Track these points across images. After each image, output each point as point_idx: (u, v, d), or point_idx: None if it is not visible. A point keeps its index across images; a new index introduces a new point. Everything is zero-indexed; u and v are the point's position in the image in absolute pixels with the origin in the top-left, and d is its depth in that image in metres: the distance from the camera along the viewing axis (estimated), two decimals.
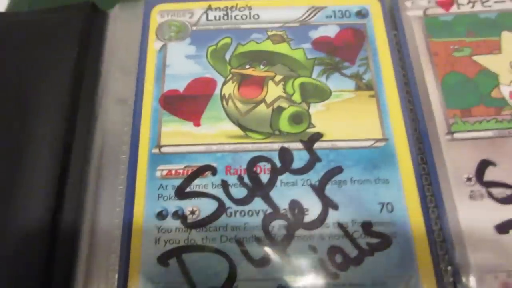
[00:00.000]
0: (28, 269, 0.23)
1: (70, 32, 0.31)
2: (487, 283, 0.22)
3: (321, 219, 0.24)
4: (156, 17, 0.30)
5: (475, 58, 0.28)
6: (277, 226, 0.24)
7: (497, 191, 0.24)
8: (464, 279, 0.23)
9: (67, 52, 0.30)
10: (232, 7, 0.30)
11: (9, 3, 0.37)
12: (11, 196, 0.25)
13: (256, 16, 0.30)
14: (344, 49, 0.28)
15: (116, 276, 0.23)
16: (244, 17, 0.30)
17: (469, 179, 0.25)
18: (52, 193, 0.25)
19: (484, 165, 0.25)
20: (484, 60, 0.28)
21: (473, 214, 0.24)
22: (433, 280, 0.23)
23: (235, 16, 0.30)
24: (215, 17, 0.30)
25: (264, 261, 0.23)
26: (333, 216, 0.24)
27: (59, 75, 0.29)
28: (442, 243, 0.24)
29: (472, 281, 0.23)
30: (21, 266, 0.23)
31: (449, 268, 0.23)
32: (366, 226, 0.24)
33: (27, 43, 0.31)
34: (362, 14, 0.30)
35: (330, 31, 0.29)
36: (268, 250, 0.23)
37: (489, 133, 0.26)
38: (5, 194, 0.25)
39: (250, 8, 0.30)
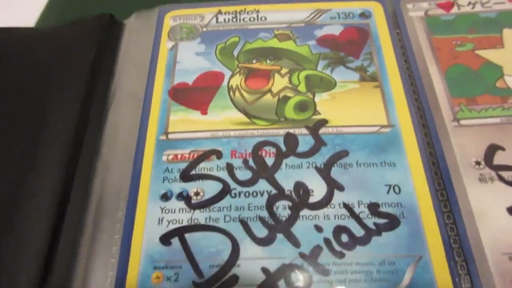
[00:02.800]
0: None
1: (88, 40, 0.33)
2: (501, 263, 0.21)
3: (326, 200, 0.24)
4: (169, 21, 0.32)
5: (478, 52, 0.28)
6: (282, 206, 0.24)
7: (507, 174, 0.24)
8: (476, 259, 0.22)
9: (84, 57, 0.32)
10: (241, 11, 0.32)
11: (39, 17, 0.39)
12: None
13: (263, 18, 0.31)
14: (348, 45, 0.29)
15: (118, 254, 0.23)
16: (252, 19, 0.31)
17: (478, 163, 0.24)
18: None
19: (492, 149, 0.25)
20: (487, 54, 0.28)
21: (483, 197, 0.23)
22: (443, 260, 0.22)
23: (243, 19, 0.31)
24: (224, 19, 0.31)
25: (268, 240, 0.23)
26: (339, 197, 0.24)
27: (75, 79, 0.31)
28: (453, 225, 0.23)
29: (484, 261, 0.21)
30: None
31: (460, 249, 0.22)
32: (373, 207, 0.23)
33: (48, 54, 0.33)
34: (365, 15, 0.31)
35: (335, 29, 0.30)
36: (272, 229, 0.23)
37: (496, 120, 0.26)
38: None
39: (258, 11, 0.32)
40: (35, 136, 0.28)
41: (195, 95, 0.28)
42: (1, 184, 0.26)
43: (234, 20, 0.31)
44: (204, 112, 0.27)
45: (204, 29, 0.31)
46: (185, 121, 0.27)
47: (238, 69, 0.29)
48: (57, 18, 0.39)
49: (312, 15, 0.31)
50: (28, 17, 0.40)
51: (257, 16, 0.31)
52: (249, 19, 0.31)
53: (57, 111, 0.29)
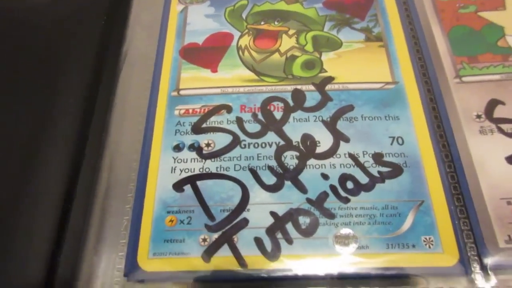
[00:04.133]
0: None
1: (99, 4, 0.34)
2: (499, 208, 0.22)
3: (332, 150, 0.25)
4: None
5: (480, 13, 0.29)
6: (290, 156, 0.25)
7: (507, 127, 0.25)
8: (476, 204, 0.23)
9: (96, 21, 0.33)
10: None
11: None
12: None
13: None
14: (354, 8, 0.30)
15: (133, 201, 0.24)
16: None
17: (478, 116, 0.25)
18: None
19: (493, 104, 0.26)
20: (490, 15, 0.29)
21: (483, 147, 0.24)
22: (444, 204, 0.23)
23: None
24: None
25: (276, 186, 0.24)
26: (344, 148, 0.25)
27: (88, 42, 0.31)
28: (453, 173, 0.24)
29: (483, 205, 0.23)
30: None
31: (459, 195, 0.23)
32: (377, 157, 0.24)
33: (60, 18, 0.34)
34: None
35: None
36: (280, 177, 0.24)
37: (497, 77, 0.27)
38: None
39: None
40: (48, 100, 0.29)
41: (205, 54, 0.29)
42: (16, 144, 0.27)
43: None
44: (214, 70, 0.28)
45: None
46: (196, 78, 0.28)
47: (246, 30, 0.30)
48: None
49: None
50: None
51: None
52: None
53: (70, 74, 0.30)
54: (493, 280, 0.21)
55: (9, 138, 0.27)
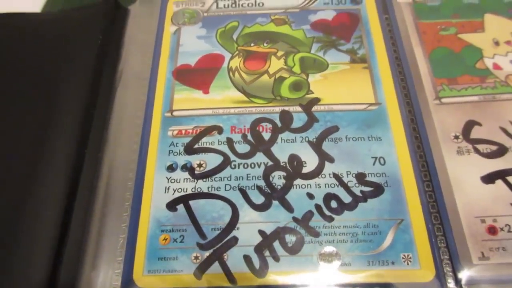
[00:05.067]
0: None
1: (94, 24, 0.35)
2: (473, 225, 0.24)
3: (318, 170, 0.26)
4: (172, 7, 0.34)
5: (460, 35, 0.30)
6: (277, 176, 0.26)
7: (483, 147, 0.26)
8: (452, 222, 0.24)
9: (91, 41, 0.34)
10: None
11: (45, 3, 0.41)
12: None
13: (261, 4, 0.33)
14: (340, 29, 0.31)
15: (128, 220, 0.25)
16: (250, 4, 0.33)
17: (456, 137, 0.27)
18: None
19: (470, 125, 0.27)
20: (469, 37, 0.30)
21: (460, 167, 0.26)
22: (422, 223, 0.24)
23: (242, 4, 0.33)
24: (224, 5, 0.33)
25: (264, 206, 0.25)
26: (329, 168, 0.26)
27: (84, 62, 0.33)
28: (432, 192, 0.25)
29: (458, 223, 0.24)
30: None
31: (437, 213, 0.25)
32: (360, 177, 0.26)
33: (56, 37, 0.35)
34: (356, 1, 0.33)
35: (328, 15, 0.32)
36: (268, 197, 0.25)
37: (475, 98, 0.28)
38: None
39: None
40: (45, 119, 0.30)
41: (197, 75, 0.30)
42: (14, 164, 0.28)
43: (233, 5, 0.33)
44: (206, 92, 0.29)
45: (205, 14, 0.33)
46: (188, 99, 0.29)
47: (237, 52, 0.31)
48: (62, 4, 0.41)
49: (306, 1, 0.33)
50: (34, 2, 0.41)
51: (255, 2, 0.33)
52: (247, 4, 0.33)
53: (67, 93, 0.31)
54: None
55: (6, 158, 0.28)
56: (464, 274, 0.23)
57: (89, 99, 0.30)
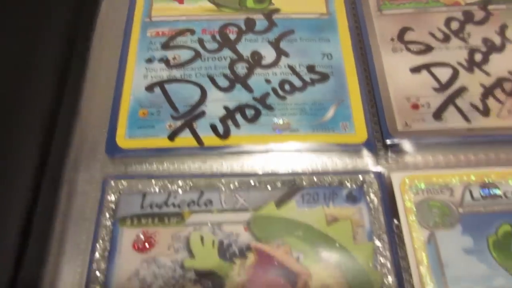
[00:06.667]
0: None
1: None
2: (401, 104, 0.29)
3: (275, 62, 0.31)
4: None
5: None
6: (241, 66, 0.31)
7: (413, 46, 0.31)
8: (383, 101, 0.29)
9: None
10: None
11: None
12: None
13: None
14: None
15: (112, 99, 0.30)
16: None
17: (392, 39, 0.32)
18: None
19: (404, 30, 0.32)
20: None
21: (394, 61, 0.31)
22: (359, 102, 0.29)
23: None
24: None
25: (229, 88, 0.30)
26: (284, 61, 0.31)
27: None
28: (369, 81, 0.30)
29: (389, 103, 0.29)
30: None
31: (373, 96, 0.30)
32: (310, 68, 0.30)
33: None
34: None
35: None
36: (232, 81, 0.30)
37: (410, 10, 0.33)
38: None
39: None
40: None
41: None
42: None
43: None
44: (181, 2, 0.34)
45: None
46: (165, 8, 0.33)
47: None
48: None
49: None
50: None
51: None
52: None
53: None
54: (391, 155, 0.28)
55: None
56: (390, 139, 0.28)
57: (76, 9, 0.34)
